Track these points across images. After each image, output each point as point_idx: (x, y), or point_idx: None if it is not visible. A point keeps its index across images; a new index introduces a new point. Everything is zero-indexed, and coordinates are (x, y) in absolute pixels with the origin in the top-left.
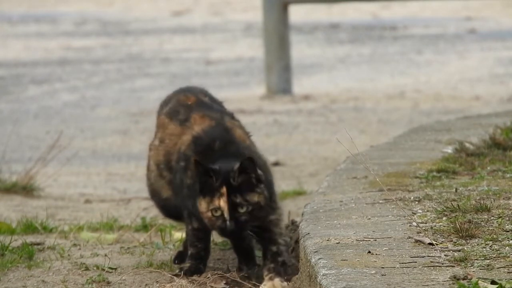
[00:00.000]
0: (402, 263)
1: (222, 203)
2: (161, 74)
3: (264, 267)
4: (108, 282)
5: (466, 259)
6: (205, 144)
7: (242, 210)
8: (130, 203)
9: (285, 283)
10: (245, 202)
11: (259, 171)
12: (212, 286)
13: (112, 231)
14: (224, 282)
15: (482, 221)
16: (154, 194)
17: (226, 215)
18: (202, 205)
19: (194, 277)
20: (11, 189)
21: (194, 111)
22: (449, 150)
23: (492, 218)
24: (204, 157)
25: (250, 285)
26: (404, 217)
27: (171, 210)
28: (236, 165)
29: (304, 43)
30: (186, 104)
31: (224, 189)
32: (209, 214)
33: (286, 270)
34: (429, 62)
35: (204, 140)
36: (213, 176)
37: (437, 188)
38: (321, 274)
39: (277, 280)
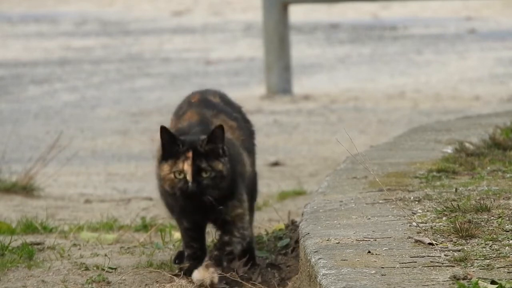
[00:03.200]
0: (402, 263)
1: (186, 166)
2: (161, 74)
3: (208, 254)
4: (108, 282)
5: (466, 259)
6: (182, 131)
7: (205, 175)
8: (130, 203)
9: (215, 275)
10: (209, 167)
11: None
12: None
13: (112, 231)
14: (224, 282)
15: (482, 221)
16: None
17: (189, 177)
18: (165, 168)
19: None
20: (11, 189)
21: (192, 107)
22: (449, 150)
23: (492, 218)
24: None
25: (250, 285)
26: (404, 217)
27: None
28: (205, 135)
29: (304, 43)
30: (190, 101)
31: (190, 154)
32: (172, 176)
33: (233, 261)
34: (429, 62)
35: (183, 130)
36: (179, 144)
37: (437, 188)
38: (321, 274)
39: (211, 270)
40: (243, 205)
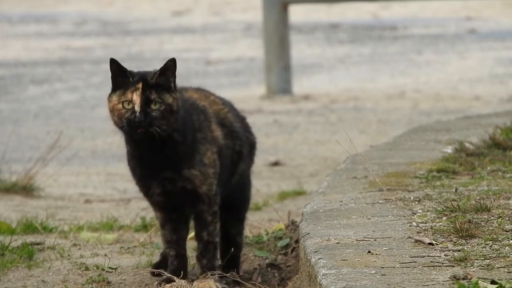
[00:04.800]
0: (402, 263)
1: (135, 96)
2: None
3: (197, 262)
4: (108, 282)
5: (466, 259)
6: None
7: (154, 107)
8: (130, 203)
9: (218, 284)
10: (159, 99)
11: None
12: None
13: (112, 231)
14: (224, 282)
15: (482, 221)
16: None
17: (137, 107)
18: (113, 99)
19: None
20: (11, 189)
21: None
22: (449, 150)
23: (492, 218)
24: None
25: (250, 285)
26: (404, 217)
27: None
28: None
29: (304, 43)
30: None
31: (140, 85)
32: (120, 106)
33: (216, 249)
34: (429, 62)
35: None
36: (129, 76)
37: (437, 188)
38: (321, 274)
39: (211, 282)
40: (206, 177)
